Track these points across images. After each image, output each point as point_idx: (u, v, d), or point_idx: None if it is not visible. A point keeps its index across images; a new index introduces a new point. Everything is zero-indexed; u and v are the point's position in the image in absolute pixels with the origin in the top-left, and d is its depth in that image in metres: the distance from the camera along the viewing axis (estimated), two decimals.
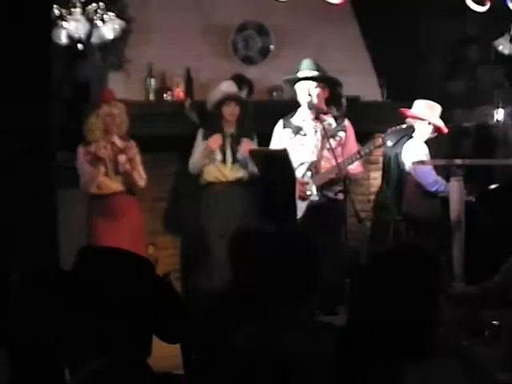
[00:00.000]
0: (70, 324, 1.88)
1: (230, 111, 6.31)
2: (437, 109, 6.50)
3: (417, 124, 6.43)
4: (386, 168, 6.74)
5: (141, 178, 6.11)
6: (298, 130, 6.07)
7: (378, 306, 2.20)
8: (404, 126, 6.04)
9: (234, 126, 6.40)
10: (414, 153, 6.32)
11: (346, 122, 6.15)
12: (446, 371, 2.14)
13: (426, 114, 6.44)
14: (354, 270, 6.08)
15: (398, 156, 6.45)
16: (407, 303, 2.18)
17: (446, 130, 6.49)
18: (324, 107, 6.04)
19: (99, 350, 1.89)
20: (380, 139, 5.80)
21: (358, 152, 5.92)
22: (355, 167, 5.97)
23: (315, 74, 5.99)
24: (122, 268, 1.98)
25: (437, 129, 6.48)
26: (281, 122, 6.14)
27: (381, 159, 7.03)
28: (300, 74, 6.03)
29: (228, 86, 6.37)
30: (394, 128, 5.93)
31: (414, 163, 6.22)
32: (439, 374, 2.13)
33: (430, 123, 6.45)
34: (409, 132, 6.04)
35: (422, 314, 2.19)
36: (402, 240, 5.82)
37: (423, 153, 6.35)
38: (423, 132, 6.42)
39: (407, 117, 6.47)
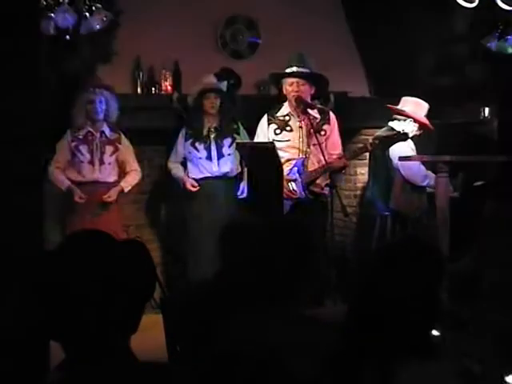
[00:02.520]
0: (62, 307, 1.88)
1: (210, 103, 6.29)
2: (423, 106, 6.52)
3: (402, 120, 6.45)
4: (372, 163, 6.75)
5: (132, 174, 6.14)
6: (283, 126, 6.08)
7: (377, 301, 2.20)
8: (396, 131, 6.03)
9: (216, 119, 6.38)
10: (400, 149, 6.33)
11: (331, 115, 6.17)
12: (438, 374, 2.14)
13: (411, 111, 6.45)
14: (340, 264, 6.11)
15: (384, 152, 6.46)
16: (407, 299, 2.17)
17: (431, 128, 6.51)
18: (309, 102, 6.06)
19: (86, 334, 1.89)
20: (367, 145, 5.85)
21: (345, 157, 5.96)
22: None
23: (303, 69, 6.01)
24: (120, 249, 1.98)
25: (422, 126, 6.50)
26: (265, 118, 6.15)
27: (367, 155, 7.05)
28: (288, 70, 6.04)
29: (207, 79, 6.36)
30: (386, 134, 5.96)
31: (400, 159, 6.23)
32: (431, 375, 2.12)
33: (415, 120, 6.46)
34: (403, 139, 6.02)
35: (421, 310, 2.18)
36: (403, 235, 5.84)
37: (409, 149, 6.36)
38: (409, 129, 6.43)
39: (394, 112, 6.50)
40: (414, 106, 6.49)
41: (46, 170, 5.77)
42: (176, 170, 6.40)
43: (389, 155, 6.41)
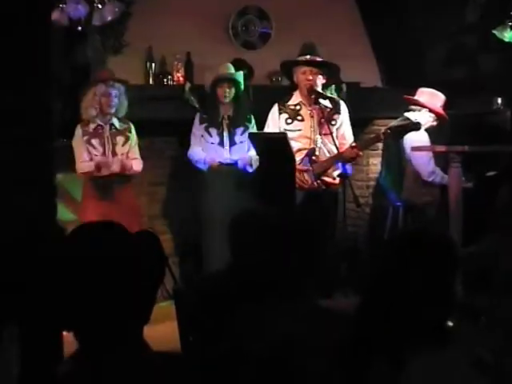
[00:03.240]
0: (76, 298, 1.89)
1: (223, 92, 6.28)
2: (440, 97, 6.52)
3: (418, 111, 6.45)
4: (386, 153, 6.75)
5: (136, 162, 6.13)
6: (294, 115, 6.06)
7: (390, 292, 2.19)
8: (408, 121, 6.00)
9: (230, 108, 6.37)
10: (414, 139, 6.32)
11: (341, 105, 6.15)
12: (450, 364, 2.12)
13: (427, 102, 6.45)
14: (352, 255, 6.09)
15: (398, 142, 6.45)
16: (420, 289, 2.17)
17: (447, 118, 6.50)
18: (321, 92, 6.05)
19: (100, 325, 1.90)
20: (379, 135, 5.82)
21: (357, 148, 5.92)
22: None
23: (315, 58, 6.00)
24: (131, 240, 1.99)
25: (438, 117, 6.49)
26: (276, 107, 6.13)
27: (380, 145, 7.04)
28: (300, 58, 6.03)
29: (223, 68, 6.35)
30: (399, 124, 5.94)
31: (412, 149, 6.22)
32: (443, 365, 2.11)
33: (431, 111, 6.46)
34: (415, 128, 5.99)
35: (434, 301, 2.18)
36: (415, 225, 5.82)
37: (423, 140, 6.35)
38: (424, 119, 6.42)
39: (410, 103, 6.50)
40: (430, 97, 6.49)
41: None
42: (197, 152, 6.37)
43: (403, 145, 6.40)
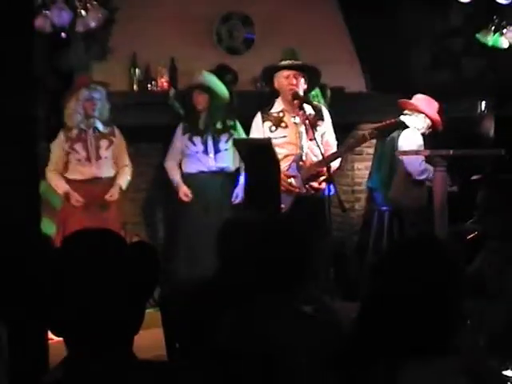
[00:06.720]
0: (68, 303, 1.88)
1: (197, 99, 6.29)
2: (435, 104, 6.55)
3: (414, 116, 6.47)
4: (378, 153, 6.73)
5: (126, 168, 6.15)
6: (278, 122, 6.05)
7: (390, 302, 2.15)
8: (392, 120, 6.00)
9: (208, 115, 6.36)
10: (409, 141, 6.34)
11: (324, 111, 6.15)
12: (444, 371, 2.11)
13: (425, 108, 6.48)
14: (337, 259, 6.09)
15: (394, 143, 6.45)
16: (422, 300, 2.13)
17: (440, 127, 6.53)
18: (305, 97, 6.05)
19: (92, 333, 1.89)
20: (365, 135, 5.81)
21: (343, 150, 5.96)
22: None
23: (297, 63, 6.01)
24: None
25: (433, 124, 6.51)
26: (259, 115, 6.11)
27: (365, 150, 7.05)
28: (282, 63, 6.03)
29: (197, 75, 6.35)
30: (380, 124, 5.94)
31: (400, 153, 6.23)
32: (437, 373, 2.09)
33: (426, 117, 6.48)
34: (400, 127, 6.00)
35: (434, 312, 2.15)
36: (416, 234, 5.82)
37: (417, 143, 6.36)
38: (419, 124, 6.44)
39: (406, 108, 6.50)
40: (428, 103, 6.52)
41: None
42: (173, 172, 6.40)
43: (397, 145, 6.41)
